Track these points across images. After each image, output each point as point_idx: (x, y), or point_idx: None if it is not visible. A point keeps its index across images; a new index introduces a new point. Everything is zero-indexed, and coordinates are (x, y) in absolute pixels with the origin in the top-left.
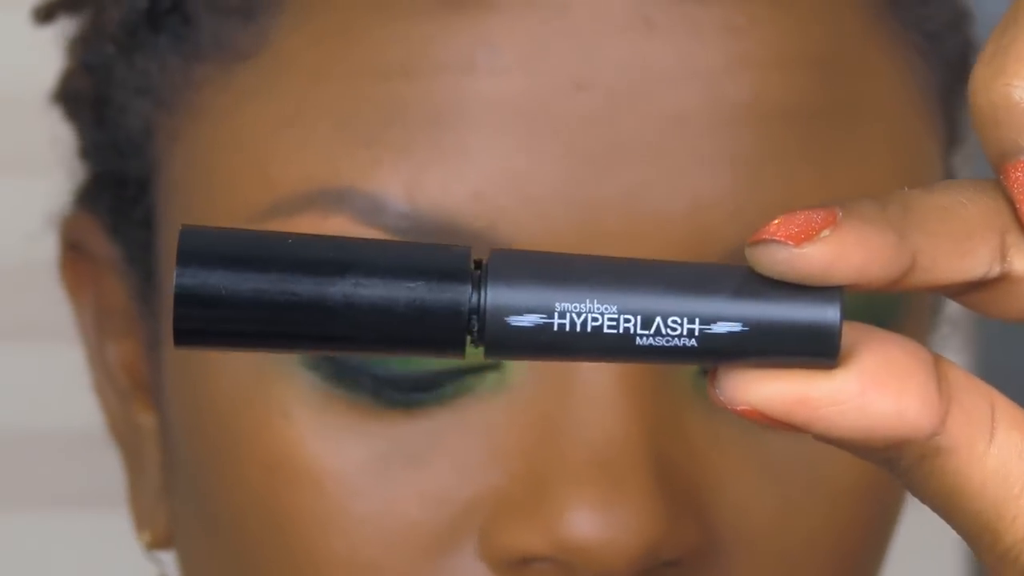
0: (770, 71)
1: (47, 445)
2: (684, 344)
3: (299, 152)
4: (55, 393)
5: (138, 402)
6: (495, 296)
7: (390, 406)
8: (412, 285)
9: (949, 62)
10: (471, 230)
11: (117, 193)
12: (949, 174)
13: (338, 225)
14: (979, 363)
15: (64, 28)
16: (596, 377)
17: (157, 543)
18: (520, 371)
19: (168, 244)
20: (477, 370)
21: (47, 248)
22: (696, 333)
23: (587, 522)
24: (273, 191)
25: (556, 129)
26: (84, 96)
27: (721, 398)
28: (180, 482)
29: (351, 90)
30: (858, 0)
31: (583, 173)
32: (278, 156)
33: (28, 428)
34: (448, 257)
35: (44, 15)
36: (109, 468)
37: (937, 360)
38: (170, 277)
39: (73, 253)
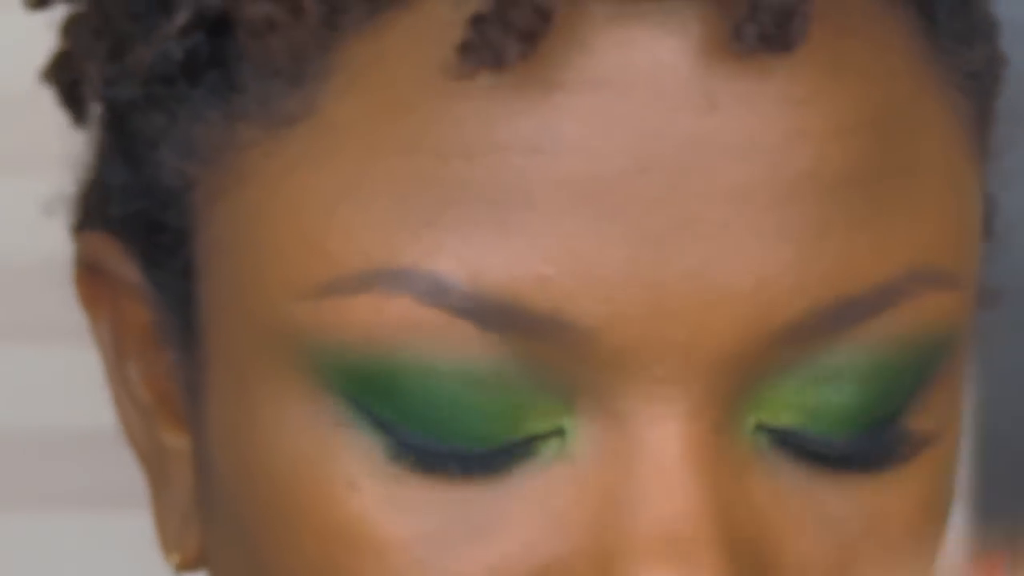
0: (829, 141)
1: (47, 445)
2: None
3: (357, 229)
4: (55, 393)
5: (164, 420)
6: None
7: (456, 476)
8: None
9: (989, 92)
10: (536, 313)
11: (151, 238)
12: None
13: (401, 306)
14: (979, 363)
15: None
16: (661, 447)
17: (187, 565)
18: (582, 440)
19: (214, 304)
20: (542, 437)
21: (46, 248)
22: None
23: None
24: (332, 267)
25: (620, 210)
26: (110, 129)
27: None
28: (220, 518)
29: (409, 166)
30: (909, 52)
31: (648, 254)
32: (335, 231)
33: (28, 428)
34: None
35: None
36: (110, 468)
37: None
38: (216, 337)
39: (90, 272)
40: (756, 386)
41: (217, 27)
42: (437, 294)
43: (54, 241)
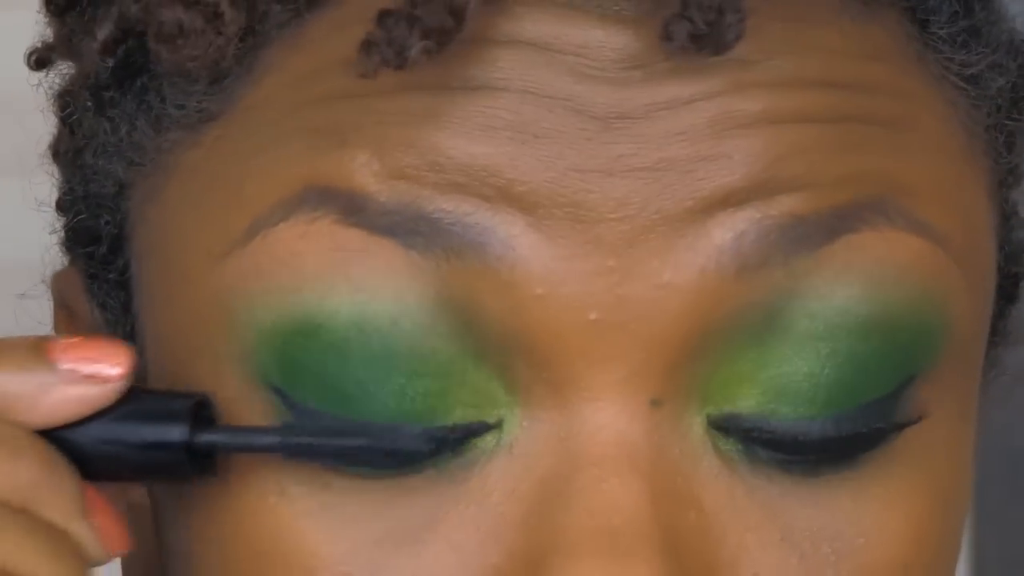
0: (783, 89)
1: None
2: None
3: (272, 168)
4: None
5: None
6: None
7: (386, 476)
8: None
9: (997, 101)
10: (451, 221)
11: (90, 249)
12: (1003, 209)
13: (323, 228)
14: None
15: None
16: (599, 439)
17: None
18: (519, 427)
19: (148, 307)
20: (478, 432)
21: (44, 248)
22: None
23: None
24: (253, 209)
25: (541, 139)
26: (64, 149)
27: None
28: (171, 567)
29: (321, 106)
30: (891, 45)
31: (573, 182)
32: (251, 178)
33: None
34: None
35: (38, 63)
36: None
37: None
38: (151, 342)
39: (64, 311)
40: (707, 359)
41: (141, 36)
42: (356, 211)
43: (50, 242)
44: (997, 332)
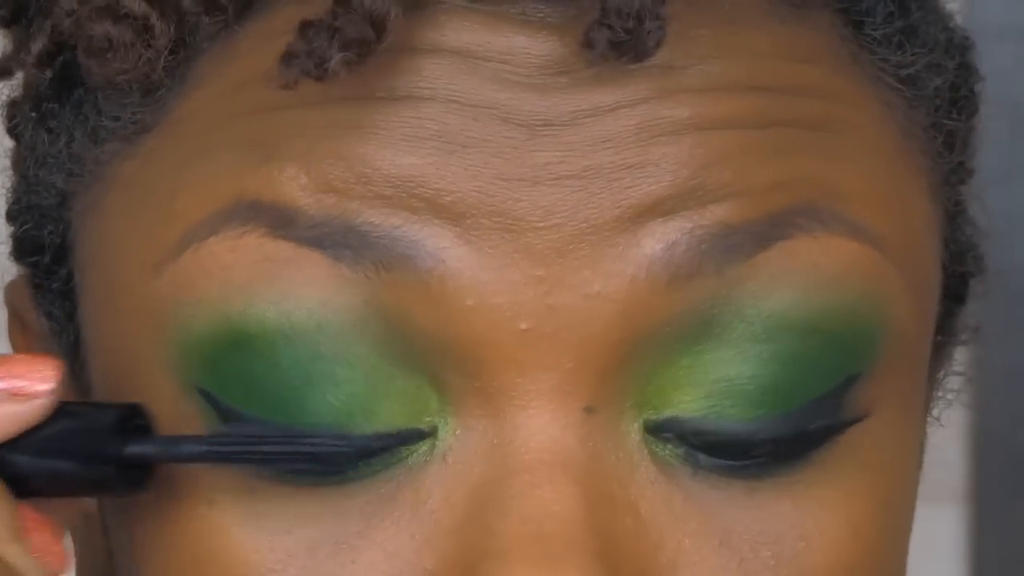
0: (710, 94)
1: None
2: None
3: (202, 182)
4: None
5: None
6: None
7: (319, 483)
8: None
9: (935, 102)
10: (379, 233)
11: (34, 259)
12: (948, 208)
13: (251, 241)
14: (979, 363)
15: None
16: (531, 445)
17: None
18: (453, 436)
19: (90, 317)
20: (407, 442)
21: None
22: None
23: None
24: (183, 222)
25: (467, 149)
26: (14, 160)
27: None
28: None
29: (250, 119)
30: (824, 46)
31: (501, 191)
32: (182, 192)
33: None
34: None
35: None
36: None
37: None
38: (94, 352)
39: (19, 321)
40: (641, 366)
41: (75, 50)
42: (285, 224)
43: None
44: (946, 331)
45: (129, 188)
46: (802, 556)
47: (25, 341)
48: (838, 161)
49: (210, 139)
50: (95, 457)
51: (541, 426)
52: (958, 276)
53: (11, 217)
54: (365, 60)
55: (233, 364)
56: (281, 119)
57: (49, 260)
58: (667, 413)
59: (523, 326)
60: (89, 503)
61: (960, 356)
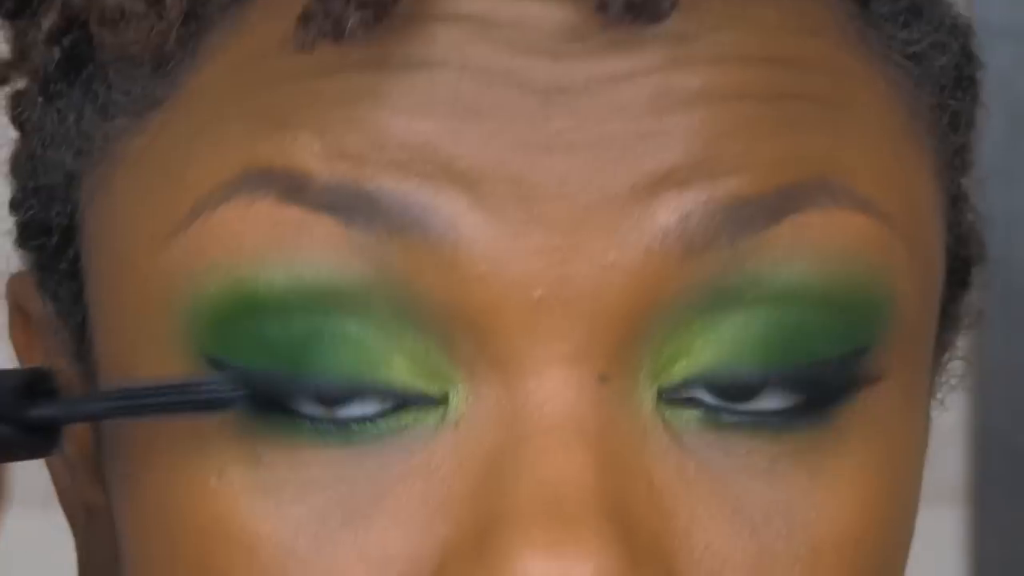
0: (722, 64)
1: None
2: None
3: (214, 151)
4: None
5: (86, 475)
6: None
7: (330, 443)
8: None
9: (939, 81)
10: (392, 199)
11: (41, 241)
12: (951, 191)
13: (263, 208)
14: (979, 363)
15: None
16: (545, 411)
17: None
18: (465, 403)
19: (97, 295)
20: (417, 404)
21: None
22: None
23: (535, 566)
24: (194, 192)
25: (481, 115)
26: (18, 151)
27: None
28: (124, 563)
29: (262, 89)
30: (831, 21)
31: (515, 158)
32: (193, 162)
33: None
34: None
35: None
36: None
37: None
38: (100, 330)
39: (20, 316)
40: (654, 336)
41: (85, 25)
42: (296, 190)
43: None
44: (949, 316)
45: (139, 163)
46: (813, 527)
47: (26, 337)
48: (845, 136)
49: (222, 110)
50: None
51: (555, 392)
52: (962, 261)
53: (15, 205)
54: (382, 21)
55: (243, 328)
56: (295, 88)
57: (56, 241)
58: (680, 375)
59: (536, 294)
60: (96, 494)
61: (960, 352)
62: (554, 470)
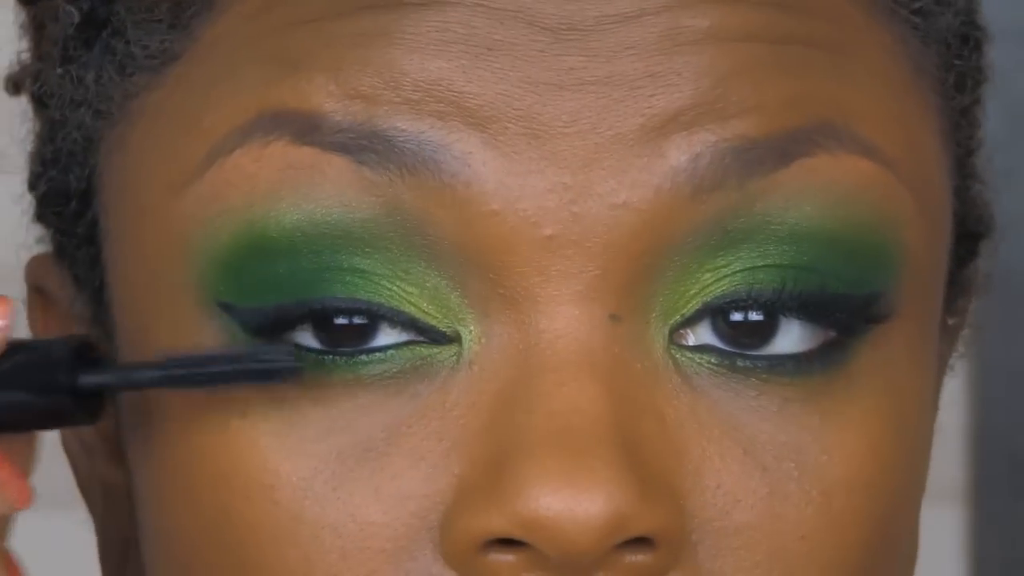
0: (728, 5)
1: (48, 445)
2: None
3: (229, 97)
4: None
5: (103, 455)
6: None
7: (337, 378)
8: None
9: (944, 39)
10: (404, 137)
11: (59, 210)
12: (956, 157)
13: (277, 149)
14: (979, 363)
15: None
16: (558, 347)
17: None
18: (478, 342)
19: (113, 253)
20: (429, 340)
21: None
22: None
23: (548, 495)
24: (210, 137)
25: (493, 52)
26: (36, 129)
27: None
28: (145, 535)
29: (278, 34)
30: None
31: (526, 95)
32: (209, 109)
33: None
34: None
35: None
36: None
37: None
38: (116, 288)
39: (39, 297)
40: (665, 275)
41: None
42: (310, 131)
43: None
44: (956, 283)
45: (156, 118)
46: (824, 469)
47: (44, 319)
48: (849, 82)
49: (237, 58)
50: (50, 389)
51: (567, 329)
52: (966, 228)
53: (33, 182)
54: None
55: (255, 271)
56: (309, 31)
57: (74, 206)
58: (693, 309)
59: (548, 232)
60: (111, 471)
61: (960, 351)
62: (566, 403)
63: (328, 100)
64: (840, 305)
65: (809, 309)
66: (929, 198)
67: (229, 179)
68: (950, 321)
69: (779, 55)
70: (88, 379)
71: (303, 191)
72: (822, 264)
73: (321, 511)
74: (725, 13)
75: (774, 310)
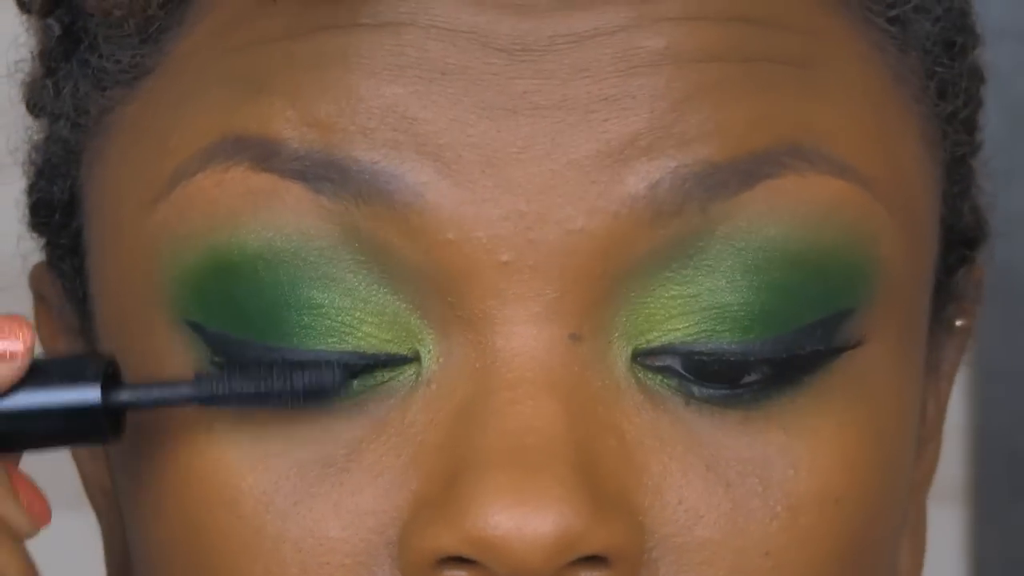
0: (687, 23)
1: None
2: None
3: (194, 118)
4: None
5: (103, 463)
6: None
7: (310, 409)
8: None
9: (923, 47)
10: (360, 165)
11: (46, 220)
12: (943, 164)
13: (237, 173)
14: (979, 363)
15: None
16: (514, 365)
17: None
18: (437, 360)
19: (95, 267)
20: (390, 363)
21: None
22: None
23: (496, 513)
24: (175, 158)
25: (447, 76)
26: (32, 139)
27: None
28: (128, 537)
29: (241, 53)
30: None
31: (480, 121)
32: (176, 129)
33: None
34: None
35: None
36: None
37: None
38: (97, 300)
39: (42, 304)
40: (627, 296)
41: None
42: (269, 157)
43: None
44: (949, 292)
45: (129, 131)
46: (791, 483)
47: (49, 328)
48: (820, 99)
49: (204, 76)
50: (78, 409)
51: (525, 347)
52: (957, 233)
53: (29, 190)
54: None
55: (218, 292)
56: (270, 51)
57: (59, 216)
58: (659, 341)
59: (504, 258)
60: (107, 479)
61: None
62: (521, 420)
63: (286, 127)
64: (809, 340)
65: (778, 352)
66: (909, 210)
67: (193, 201)
68: (958, 323)
69: (744, 74)
70: (119, 397)
71: (263, 218)
72: (790, 288)
73: (282, 525)
74: (685, 32)
75: (741, 365)
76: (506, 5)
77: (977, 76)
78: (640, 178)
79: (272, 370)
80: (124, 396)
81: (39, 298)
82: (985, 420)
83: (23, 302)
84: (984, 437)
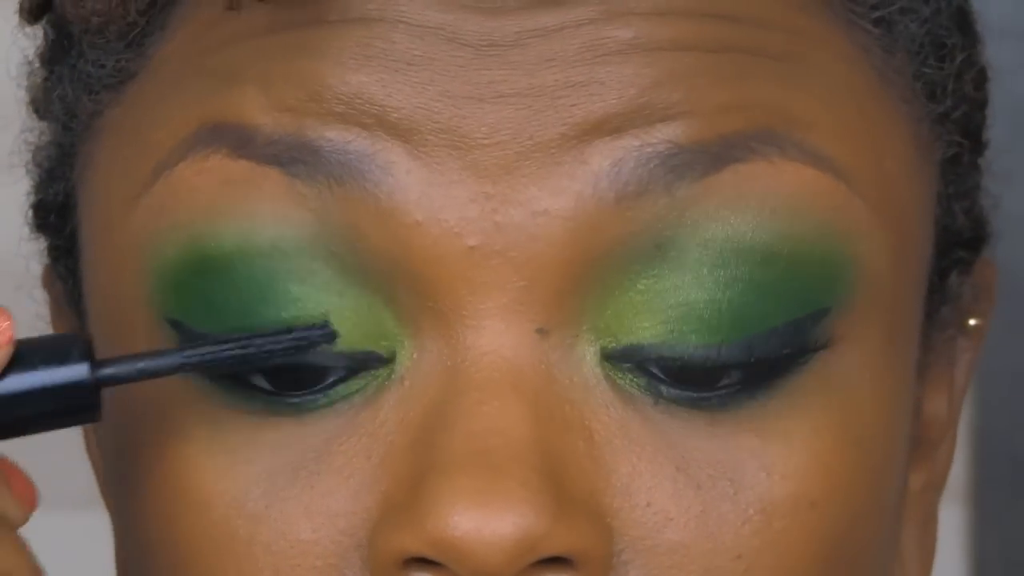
0: (657, 18)
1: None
2: None
3: (174, 113)
4: None
5: None
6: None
7: (283, 413)
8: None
9: (909, 48)
10: (331, 148)
11: (45, 222)
12: (935, 164)
13: (215, 161)
14: (980, 364)
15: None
16: (483, 364)
17: None
18: (409, 358)
19: (86, 267)
20: (366, 367)
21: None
22: None
23: (457, 515)
24: (157, 151)
25: (412, 67)
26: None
27: None
28: (119, 539)
29: (217, 51)
30: None
31: (445, 108)
32: (157, 124)
33: None
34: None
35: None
36: None
37: None
38: (88, 299)
39: (54, 303)
40: (594, 288)
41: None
42: (245, 143)
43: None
44: (945, 293)
45: (116, 133)
46: (763, 487)
47: (61, 328)
48: (799, 91)
49: (183, 74)
50: (68, 386)
51: (492, 346)
52: (952, 234)
53: (30, 191)
54: None
55: (197, 288)
56: (243, 48)
57: (55, 219)
58: (626, 341)
59: (471, 243)
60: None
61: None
62: (485, 422)
63: (259, 113)
64: (781, 341)
65: (748, 356)
66: (894, 208)
67: (175, 191)
68: (971, 322)
69: (715, 63)
70: (107, 372)
71: (240, 206)
72: (762, 284)
73: (254, 528)
74: (653, 25)
75: (710, 371)
76: (473, 6)
77: (976, 76)
78: (603, 156)
79: (254, 334)
80: (111, 370)
81: (54, 299)
82: (985, 420)
83: (39, 304)
84: (985, 437)
